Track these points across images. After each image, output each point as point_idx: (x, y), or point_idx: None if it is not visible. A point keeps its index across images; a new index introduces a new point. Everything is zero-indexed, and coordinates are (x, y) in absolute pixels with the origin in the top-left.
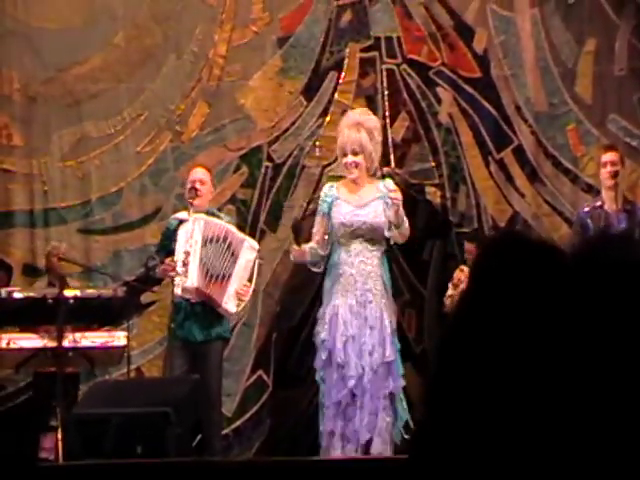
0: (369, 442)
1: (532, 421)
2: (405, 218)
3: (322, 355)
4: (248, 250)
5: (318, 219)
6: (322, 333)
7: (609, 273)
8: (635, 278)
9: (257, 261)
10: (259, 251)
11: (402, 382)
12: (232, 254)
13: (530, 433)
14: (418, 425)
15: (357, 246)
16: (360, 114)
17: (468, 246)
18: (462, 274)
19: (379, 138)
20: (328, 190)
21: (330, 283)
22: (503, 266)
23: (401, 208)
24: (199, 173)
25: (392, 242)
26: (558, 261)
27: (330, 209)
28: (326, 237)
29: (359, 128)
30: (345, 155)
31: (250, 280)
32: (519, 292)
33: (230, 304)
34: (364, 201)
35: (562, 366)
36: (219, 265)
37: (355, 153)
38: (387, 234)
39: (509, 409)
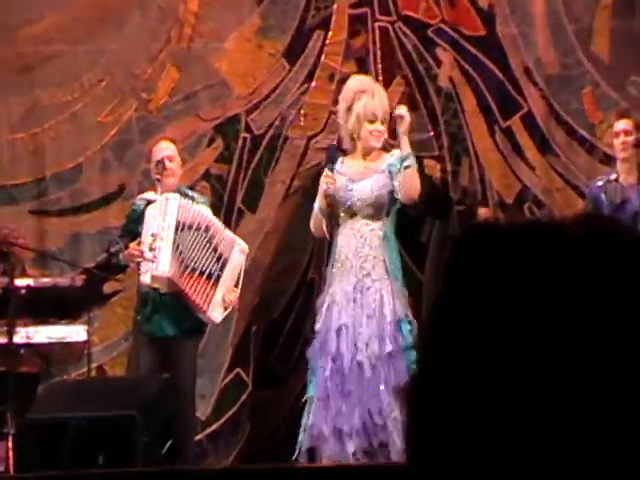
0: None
1: (531, 410)
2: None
3: (316, 344)
4: (238, 254)
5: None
6: (317, 323)
7: (603, 250)
8: (628, 256)
9: (243, 267)
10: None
11: None
12: (215, 250)
13: (529, 426)
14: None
15: (355, 225)
16: (372, 81)
17: (483, 211)
18: None
19: None
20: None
21: (330, 268)
22: (480, 254)
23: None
24: (165, 150)
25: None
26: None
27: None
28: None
29: (381, 98)
30: (373, 122)
31: (236, 286)
32: (503, 276)
33: (216, 313)
34: (363, 174)
35: (556, 347)
36: (199, 258)
37: (382, 122)
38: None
39: (506, 401)
